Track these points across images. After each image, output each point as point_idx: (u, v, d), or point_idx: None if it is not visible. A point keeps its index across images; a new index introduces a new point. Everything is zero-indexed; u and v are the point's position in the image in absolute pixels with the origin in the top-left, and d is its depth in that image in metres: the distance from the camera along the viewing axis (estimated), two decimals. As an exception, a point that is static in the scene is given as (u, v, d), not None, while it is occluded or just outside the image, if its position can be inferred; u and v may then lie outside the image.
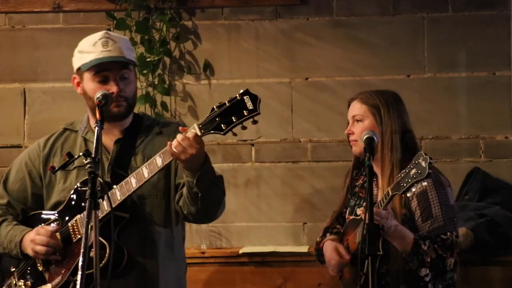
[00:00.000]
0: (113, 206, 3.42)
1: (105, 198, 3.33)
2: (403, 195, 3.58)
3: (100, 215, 3.40)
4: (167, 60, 5.03)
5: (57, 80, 5.02)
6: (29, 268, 3.66)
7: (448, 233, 3.60)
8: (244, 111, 3.27)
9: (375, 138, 3.48)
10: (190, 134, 3.32)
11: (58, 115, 4.89)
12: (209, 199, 3.48)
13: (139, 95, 4.92)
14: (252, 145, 5.04)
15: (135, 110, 3.73)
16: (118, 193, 3.46)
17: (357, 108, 3.78)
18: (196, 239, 4.98)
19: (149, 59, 4.94)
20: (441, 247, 3.57)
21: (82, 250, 2.98)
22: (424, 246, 3.55)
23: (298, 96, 5.01)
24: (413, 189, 3.52)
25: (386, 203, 3.49)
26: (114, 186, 3.48)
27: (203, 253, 4.89)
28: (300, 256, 4.80)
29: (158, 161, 3.40)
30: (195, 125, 3.33)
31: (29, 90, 5.12)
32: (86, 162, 3.11)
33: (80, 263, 2.98)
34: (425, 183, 3.62)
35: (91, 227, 3.04)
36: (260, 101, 3.28)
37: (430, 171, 3.37)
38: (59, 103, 5.02)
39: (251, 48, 5.05)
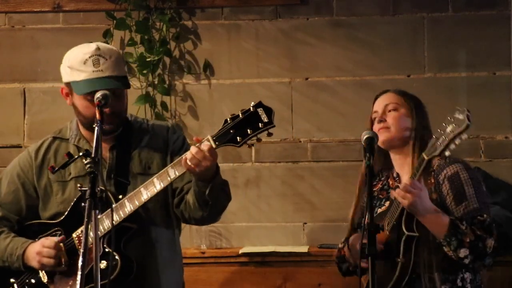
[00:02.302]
0: (124, 217, 3.43)
1: (113, 209, 3.32)
2: (433, 173, 3.45)
3: (109, 226, 3.40)
4: (167, 60, 5.02)
5: (57, 80, 4.93)
6: (31, 280, 3.60)
7: (485, 215, 3.43)
8: (259, 124, 3.28)
9: (375, 139, 3.47)
10: (204, 146, 3.30)
11: (58, 115, 4.88)
12: (217, 206, 3.50)
13: (139, 95, 4.93)
14: (252, 145, 5.02)
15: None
16: (128, 205, 3.44)
17: (391, 97, 3.63)
18: (196, 239, 4.98)
19: (149, 59, 4.94)
20: (480, 228, 3.39)
21: (82, 250, 2.97)
22: (462, 226, 3.38)
23: (298, 96, 5.01)
24: (444, 172, 3.40)
25: (421, 170, 3.34)
26: (120, 196, 3.47)
27: (203, 253, 4.89)
28: (300, 256, 4.80)
29: (171, 173, 3.39)
30: (209, 137, 3.32)
31: (29, 90, 5.12)
32: (86, 162, 3.07)
33: (80, 263, 2.96)
34: (456, 167, 3.48)
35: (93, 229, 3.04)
36: (274, 114, 3.29)
37: (469, 122, 3.21)
38: (59, 103, 5.00)
39: (251, 48, 5.04)
